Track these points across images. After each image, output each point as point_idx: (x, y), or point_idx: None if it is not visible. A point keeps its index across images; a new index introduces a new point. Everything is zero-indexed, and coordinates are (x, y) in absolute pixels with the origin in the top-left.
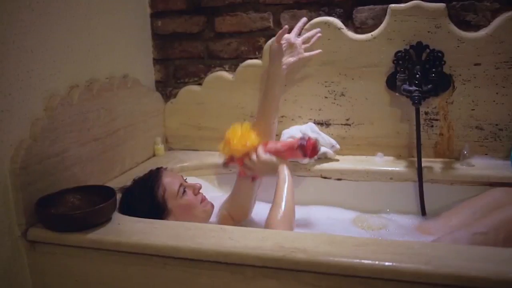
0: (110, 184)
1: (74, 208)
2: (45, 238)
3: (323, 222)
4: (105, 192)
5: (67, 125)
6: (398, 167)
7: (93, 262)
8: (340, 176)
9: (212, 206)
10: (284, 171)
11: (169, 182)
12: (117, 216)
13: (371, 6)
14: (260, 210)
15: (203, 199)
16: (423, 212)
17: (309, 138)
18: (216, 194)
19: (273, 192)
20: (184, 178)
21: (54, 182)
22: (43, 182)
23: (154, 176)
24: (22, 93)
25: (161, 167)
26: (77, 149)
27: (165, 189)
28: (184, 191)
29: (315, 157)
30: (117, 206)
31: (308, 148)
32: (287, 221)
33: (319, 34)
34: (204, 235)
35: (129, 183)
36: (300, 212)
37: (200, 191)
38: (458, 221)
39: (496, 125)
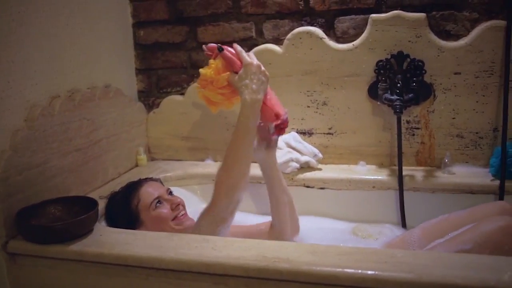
0: (92, 194)
1: (55, 220)
2: (26, 250)
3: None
4: (87, 203)
5: (48, 136)
6: (380, 175)
7: (75, 274)
8: (323, 185)
9: (191, 225)
10: (241, 115)
11: (146, 192)
12: (99, 227)
13: (353, 16)
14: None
15: (178, 217)
16: (403, 224)
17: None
18: (202, 206)
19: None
20: (169, 191)
21: (35, 193)
22: (23, 193)
23: (134, 185)
24: (2, 103)
25: (150, 178)
26: (58, 159)
27: (139, 200)
28: (160, 203)
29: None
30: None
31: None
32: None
33: None
34: (187, 245)
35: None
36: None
37: (182, 206)
38: (437, 234)
39: (477, 133)
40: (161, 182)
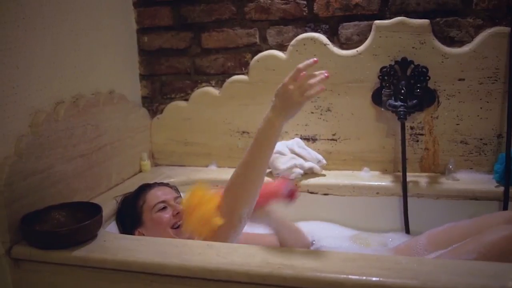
0: (96, 200)
1: (59, 225)
2: (30, 256)
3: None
4: (91, 209)
5: (52, 141)
6: (384, 181)
7: (79, 279)
8: (327, 191)
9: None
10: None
11: (153, 195)
12: (103, 233)
13: (356, 22)
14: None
15: (178, 227)
16: (407, 230)
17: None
18: None
19: None
20: (178, 199)
21: (39, 199)
22: (28, 199)
23: (146, 186)
24: (7, 109)
25: (166, 183)
26: (62, 165)
27: (145, 201)
28: (163, 208)
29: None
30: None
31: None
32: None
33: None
34: (190, 251)
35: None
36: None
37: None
38: (443, 242)
39: (481, 139)
40: (177, 190)
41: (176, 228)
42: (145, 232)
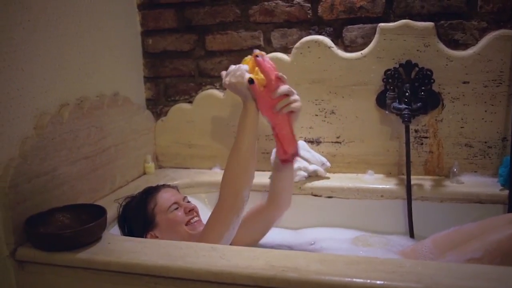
0: (100, 202)
1: (63, 227)
2: (34, 258)
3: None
4: (95, 211)
5: (57, 144)
6: (389, 184)
7: (83, 282)
8: (331, 194)
9: None
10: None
11: (163, 197)
12: (107, 235)
13: (361, 25)
14: None
15: (192, 223)
16: (411, 233)
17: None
18: (209, 214)
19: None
20: (186, 198)
21: (44, 201)
22: (32, 201)
23: (152, 190)
24: (12, 111)
25: (168, 184)
26: (67, 167)
27: (156, 203)
28: (176, 208)
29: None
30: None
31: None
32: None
33: None
34: (195, 254)
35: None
36: (293, 233)
37: (196, 212)
38: (448, 245)
39: (485, 142)
40: (178, 190)
41: (189, 224)
42: (158, 234)
